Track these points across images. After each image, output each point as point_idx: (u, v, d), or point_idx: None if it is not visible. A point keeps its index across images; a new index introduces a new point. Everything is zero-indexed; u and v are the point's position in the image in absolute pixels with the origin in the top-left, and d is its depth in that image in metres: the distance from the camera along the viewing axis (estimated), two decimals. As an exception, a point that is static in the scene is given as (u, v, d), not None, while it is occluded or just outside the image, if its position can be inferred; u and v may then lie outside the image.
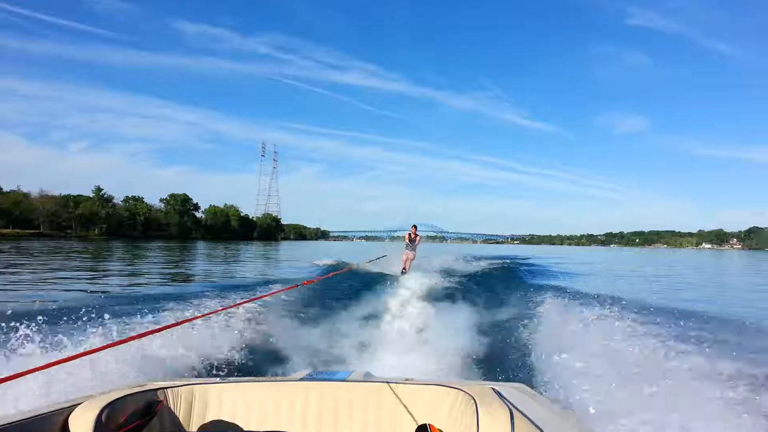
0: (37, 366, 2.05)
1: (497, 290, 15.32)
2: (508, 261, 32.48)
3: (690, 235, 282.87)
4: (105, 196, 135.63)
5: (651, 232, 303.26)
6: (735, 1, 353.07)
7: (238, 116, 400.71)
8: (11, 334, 5.04)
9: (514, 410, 2.20)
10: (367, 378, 3.03)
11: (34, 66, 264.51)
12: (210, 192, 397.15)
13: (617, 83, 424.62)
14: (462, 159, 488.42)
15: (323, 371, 3.33)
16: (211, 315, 7.21)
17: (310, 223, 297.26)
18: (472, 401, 2.36)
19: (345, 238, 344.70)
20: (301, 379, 2.97)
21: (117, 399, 2.36)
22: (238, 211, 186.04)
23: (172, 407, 2.73)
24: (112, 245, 64.97)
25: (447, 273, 18.64)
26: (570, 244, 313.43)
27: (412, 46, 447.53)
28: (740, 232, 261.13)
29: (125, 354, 4.91)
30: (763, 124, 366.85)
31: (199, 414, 2.78)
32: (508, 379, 2.79)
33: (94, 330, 5.83)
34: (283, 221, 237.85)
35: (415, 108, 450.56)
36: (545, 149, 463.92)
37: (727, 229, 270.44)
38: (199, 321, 6.77)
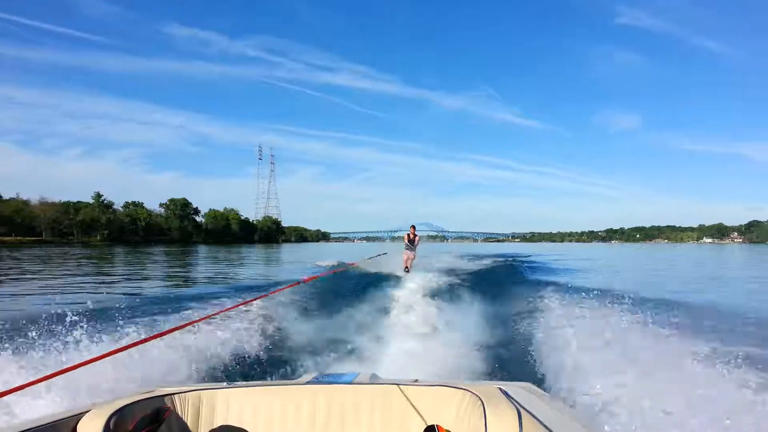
0: (40, 377, 2.06)
1: (501, 288, 15.29)
2: (510, 259, 32.58)
3: (691, 229, 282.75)
4: (105, 202, 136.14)
5: (652, 228, 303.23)
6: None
7: (230, 120, 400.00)
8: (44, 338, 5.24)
9: (521, 410, 2.19)
10: (374, 380, 3.03)
11: (22, 72, 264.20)
12: (206, 196, 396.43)
13: (609, 81, 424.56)
14: (456, 159, 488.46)
15: (329, 374, 3.33)
16: (213, 317, 7.17)
17: (310, 225, 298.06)
18: (480, 402, 2.36)
19: (346, 239, 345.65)
20: (308, 383, 2.96)
21: (125, 406, 2.36)
22: (238, 214, 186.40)
23: (180, 413, 2.72)
24: (117, 251, 65.17)
25: (450, 272, 18.65)
26: (571, 241, 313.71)
27: (403, 47, 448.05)
28: (741, 226, 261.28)
29: (129, 360, 4.91)
30: (753, 121, 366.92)
31: (207, 420, 2.77)
32: (515, 379, 2.75)
33: (112, 333, 5.96)
34: (284, 224, 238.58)
35: (408, 108, 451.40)
36: (540, 147, 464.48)
37: (726, 223, 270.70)
38: (202, 325, 6.77)
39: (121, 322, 6.48)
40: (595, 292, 10.34)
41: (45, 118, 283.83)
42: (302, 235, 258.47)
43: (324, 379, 3.06)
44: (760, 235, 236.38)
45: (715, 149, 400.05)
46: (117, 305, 6.94)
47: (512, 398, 2.37)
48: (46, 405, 3.85)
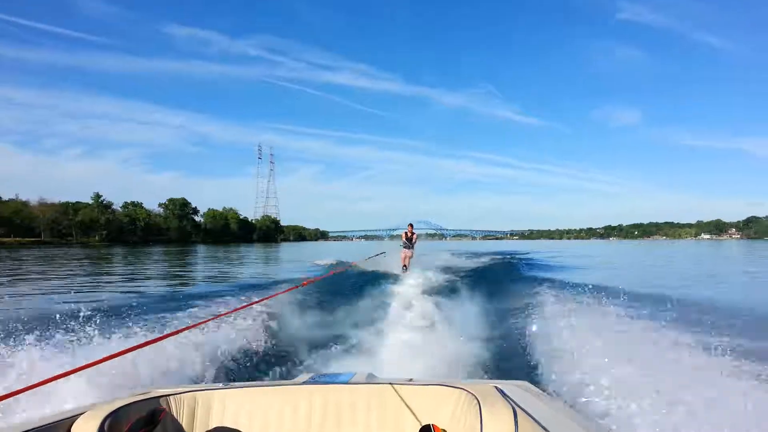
0: (40, 380, 2.05)
1: (498, 286, 15.31)
2: (508, 256, 32.77)
3: (689, 226, 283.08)
4: (104, 202, 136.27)
5: (650, 224, 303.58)
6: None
7: (230, 119, 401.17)
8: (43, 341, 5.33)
9: (517, 409, 2.18)
10: (370, 379, 3.01)
11: (20, 73, 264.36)
12: (205, 196, 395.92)
13: (610, 77, 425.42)
14: (456, 156, 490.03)
15: (326, 374, 3.32)
16: (208, 322, 6.99)
17: (309, 224, 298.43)
18: (475, 401, 2.36)
19: (344, 238, 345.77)
20: (304, 383, 2.95)
21: (120, 407, 2.34)
22: (237, 214, 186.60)
23: (175, 415, 2.70)
24: (116, 251, 65.04)
25: (448, 270, 18.78)
26: (569, 238, 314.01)
27: (403, 45, 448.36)
28: (739, 221, 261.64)
29: (125, 362, 4.88)
30: (753, 116, 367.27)
31: (203, 421, 2.75)
32: (511, 377, 2.76)
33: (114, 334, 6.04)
34: (282, 223, 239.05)
35: (408, 106, 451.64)
36: (540, 144, 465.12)
37: (726, 219, 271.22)
38: (200, 326, 6.67)
39: (118, 325, 6.48)
40: (593, 289, 10.29)
41: (44, 118, 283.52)
42: (301, 234, 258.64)
43: (320, 379, 3.06)
44: (758, 230, 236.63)
45: (716, 144, 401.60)
46: (117, 307, 7.09)
47: (508, 397, 2.38)
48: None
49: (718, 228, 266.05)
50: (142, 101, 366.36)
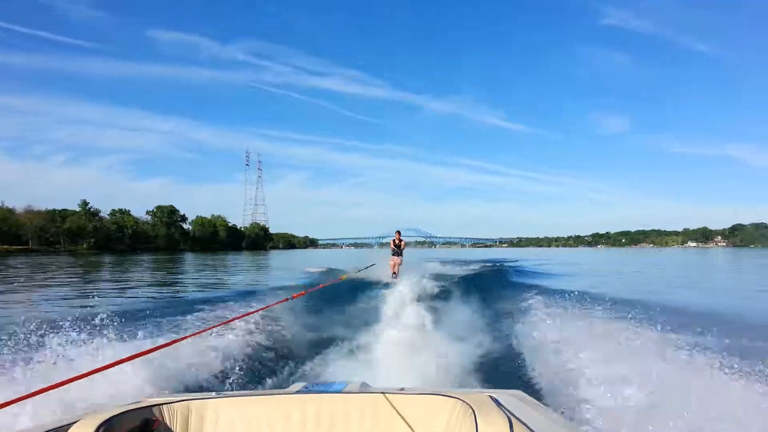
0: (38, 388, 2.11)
1: (489, 295, 15.33)
2: (498, 264, 33.07)
3: (675, 233, 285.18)
4: (91, 209, 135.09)
5: (637, 232, 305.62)
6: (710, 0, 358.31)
7: (217, 125, 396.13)
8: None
9: (512, 419, 2.19)
10: (363, 389, 3.01)
11: (6, 78, 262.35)
12: (193, 203, 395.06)
13: (596, 84, 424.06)
14: (446, 164, 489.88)
15: (319, 383, 3.35)
16: (201, 333, 7.08)
17: (298, 232, 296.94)
18: (470, 410, 2.37)
19: (334, 245, 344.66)
20: (297, 392, 2.96)
21: (113, 416, 2.35)
22: (225, 221, 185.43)
23: (168, 424, 2.70)
24: (106, 259, 64.46)
25: (438, 278, 18.63)
26: (557, 246, 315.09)
27: (390, 51, 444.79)
28: (724, 229, 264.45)
29: (117, 372, 4.75)
30: (740, 122, 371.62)
31: (196, 430, 2.76)
32: (505, 386, 3.11)
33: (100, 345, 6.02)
34: (271, 230, 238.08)
35: (396, 112, 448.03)
36: (527, 151, 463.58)
37: (712, 226, 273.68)
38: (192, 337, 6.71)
39: (110, 335, 6.42)
40: (582, 296, 10.53)
41: (31, 124, 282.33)
42: (290, 242, 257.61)
43: (313, 388, 3.06)
44: (744, 238, 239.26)
45: (704, 151, 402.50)
46: (107, 317, 6.90)
47: (503, 406, 2.39)
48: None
49: (704, 236, 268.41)
50: (128, 107, 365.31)
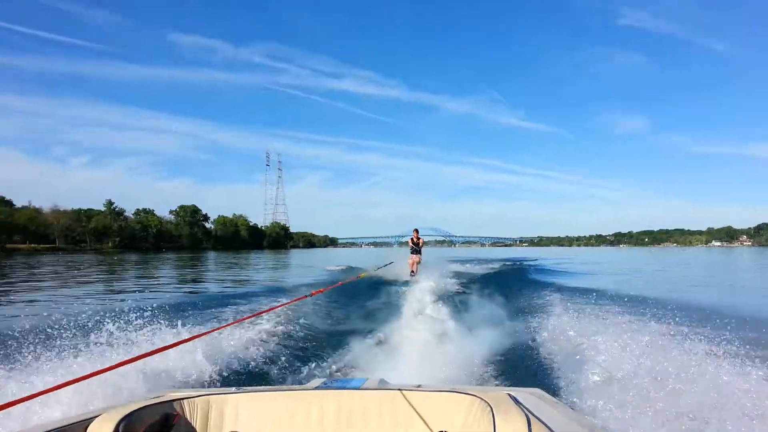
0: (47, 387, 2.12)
1: (509, 293, 15.22)
2: (518, 263, 32.97)
3: (699, 233, 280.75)
4: (116, 209, 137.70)
5: (660, 231, 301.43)
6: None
7: (236, 126, 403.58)
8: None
9: (531, 417, 2.18)
10: (382, 385, 3.01)
11: (30, 82, 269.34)
12: (214, 203, 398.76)
13: (614, 83, 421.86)
14: (462, 163, 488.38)
15: (338, 379, 3.39)
16: (223, 329, 6.97)
17: (318, 231, 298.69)
18: (488, 408, 2.36)
19: (353, 244, 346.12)
20: (316, 388, 2.95)
21: (134, 411, 2.37)
22: (247, 221, 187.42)
23: (189, 419, 2.72)
24: (132, 258, 65.43)
25: (458, 276, 18.91)
26: (579, 245, 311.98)
27: (406, 52, 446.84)
28: (750, 228, 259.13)
29: (141, 367, 5.00)
30: (762, 121, 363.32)
31: (216, 425, 2.76)
32: (524, 384, 3.18)
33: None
34: (291, 230, 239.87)
35: (412, 112, 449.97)
36: (545, 150, 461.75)
37: (737, 226, 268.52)
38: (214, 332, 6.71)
39: (137, 329, 6.55)
40: (603, 295, 10.45)
41: (53, 126, 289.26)
42: (310, 241, 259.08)
43: (332, 384, 3.06)
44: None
45: (724, 151, 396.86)
46: (135, 311, 7.08)
47: (521, 404, 2.37)
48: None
49: (729, 235, 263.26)
50: (148, 109, 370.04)
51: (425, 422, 2.67)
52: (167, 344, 3.10)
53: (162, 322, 7.07)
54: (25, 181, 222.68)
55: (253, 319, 8.67)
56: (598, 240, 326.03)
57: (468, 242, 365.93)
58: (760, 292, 21.93)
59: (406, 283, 16.74)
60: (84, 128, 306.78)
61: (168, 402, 2.67)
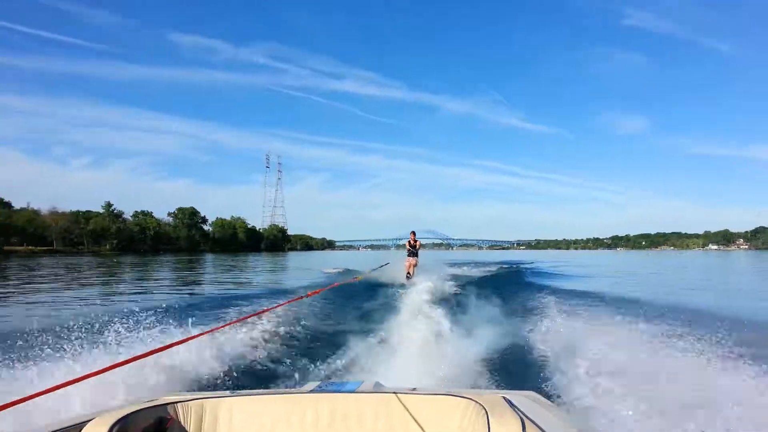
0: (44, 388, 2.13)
1: (505, 296, 15.15)
2: (515, 266, 33.19)
3: (696, 236, 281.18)
4: (115, 211, 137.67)
5: (657, 234, 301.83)
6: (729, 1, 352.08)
7: (236, 127, 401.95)
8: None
9: (526, 420, 2.18)
10: (377, 388, 3.00)
11: (30, 82, 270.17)
12: (212, 204, 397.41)
13: (615, 84, 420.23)
14: (462, 164, 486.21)
15: (333, 382, 3.37)
16: (214, 331, 6.97)
17: (316, 234, 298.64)
18: (483, 411, 2.36)
19: (351, 247, 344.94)
20: (311, 391, 2.95)
21: (128, 414, 2.36)
22: (245, 223, 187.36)
23: (182, 422, 2.70)
24: (130, 260, 65.28)
25: (454, 279, 18.92)
26: (576, 248, 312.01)
27: (407, 51, 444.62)
28: (746, 232, 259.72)
29: (133, 370, 4.95)
30: (762, 123, 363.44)
31: (210, 428, 2.76)
32: (519, 387, 3.22)
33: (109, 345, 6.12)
34: (289, 232, 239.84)
35: (413, 113, 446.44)
36: (545, 152, 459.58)
37: (734, 229, 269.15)
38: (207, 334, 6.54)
39: (131, 331, 6.58)
40: (598, 298, 10.50)
41: (53, 126, 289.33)
42: (308, 244, 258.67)
43: (327, 387, 3.05)
44: (766, 241, 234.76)
45: (724, 152, 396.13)
46: (139, 313, 7.14)
47: (516, 407, 2.37)
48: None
49: (725, 238, 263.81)
50: (148, 109, 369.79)
51: (420, 426, 2.68)
52: (164, 345, 3.13)
53: (170, 322, 7.18)
54: (24, 182, 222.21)
55: (251, 320, 8.69)
56: (596, 243, 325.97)
57: (465, 245, 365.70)
58: (751, 295, 22.17)
59: (403, 286, 16.73)
60: (84, 128, 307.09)
61: (162, 405, 2.67)
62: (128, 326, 6.70)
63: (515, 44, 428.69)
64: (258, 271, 40.50)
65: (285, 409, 2.79)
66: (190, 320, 8.33)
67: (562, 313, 10.65)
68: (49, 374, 5.01)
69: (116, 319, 6.74)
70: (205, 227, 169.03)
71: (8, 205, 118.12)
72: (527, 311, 12.16)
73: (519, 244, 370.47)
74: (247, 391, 3.02)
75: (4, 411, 1.84)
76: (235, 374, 6.47)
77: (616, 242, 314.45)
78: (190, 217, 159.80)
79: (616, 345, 6.78)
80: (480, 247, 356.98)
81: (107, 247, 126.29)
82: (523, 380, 6.48)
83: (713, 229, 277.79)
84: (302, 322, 10.06)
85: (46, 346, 5.75)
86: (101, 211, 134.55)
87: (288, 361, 7.43)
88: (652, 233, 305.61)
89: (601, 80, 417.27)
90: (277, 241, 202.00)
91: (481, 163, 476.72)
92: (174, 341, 3.27)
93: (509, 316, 11.64)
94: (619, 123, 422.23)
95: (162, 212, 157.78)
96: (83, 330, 6.37)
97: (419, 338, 8.63)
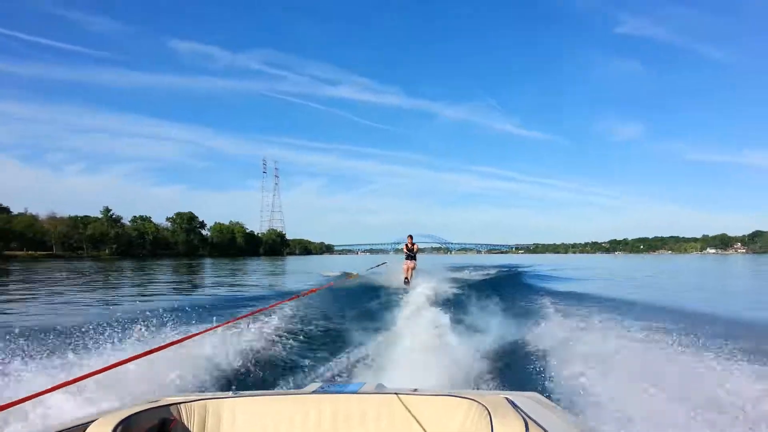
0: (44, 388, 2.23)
1: (505, 298, 15.22)
2: (513, 269, 33.41)
3: (694, 240, 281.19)
4: (113, 216, 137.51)
5: (655, 239, 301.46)
6: (725, 7, 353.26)
7: (233, 133, 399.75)
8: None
9: (528, 421, 2.18)
10: (379, 389, 3.00)
11: (28, 89, 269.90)
12: (210, 209, 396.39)
13: (611, 90, 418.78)
14: (460, 170, 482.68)
15: (335, 383, 3.42)
16: (216, 328, 6.66)
17: (314, 238, 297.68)
18: (486, 412, 2.37)
19: (349, 251, 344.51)
20: (314, 392, 2.95)
21: (131, 415, 2.37)
22: (243, 227, 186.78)
23: (185, 423, 2.71)
24: (127, 265, 65.00)
25: (453, 282, 18.94)
26: (575, 252, 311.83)
27: (404, 58, 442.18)
28: (744, 236, 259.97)
29: (137, 369, 4.98)
30: (757, 129, 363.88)
31: (213, 429, 2.77)
32: (522, 388, 3.25)
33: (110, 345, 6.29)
34: (288, 236, 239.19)
35: (410, 119, 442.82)
36: (541, 158, 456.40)
37: (731, 233, 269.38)
38: (207, 335, 6.53)
39: (130, 333, 6.69)
40: (596, 300, 10.65)
41: (48, 133, 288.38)
42: (306, 248, 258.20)
43: (330, 388, 3.06)
44: (763, 245, 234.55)
45: (720, 158, 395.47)
46: (132, 316, 7.26)
47: (519, 408, 2.37)
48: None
49: (723, 242, 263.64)
50: (145, 116, 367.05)
51: (422, 427, 2.69)
52: (160, 345, 3.19)
53: (192, 321, 7.48)
54: (22, 188, 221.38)
55: (249, 321, 8.78)
56: (594, 247, 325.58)
57: (464, 249, 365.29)
58: (746, 297, 22.41)
59: (400, 289, 16.79)
60: (83, 135, 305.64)
61: (165, 407, 2.68)
62: (148, 325, 6.93)
63: (511, 51, 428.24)
64: (258, 275, 40.58)
65: (287, 410, 2.82)
66: (191, 320, 8.56)
67: (562, 315, 10.84)
68: (49, 375, 5.14)
69: (139, 320, 6.96)
70: (204, 232, 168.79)
71: (6, 210, 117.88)
72: (527, 313, 12.22)
73: (517, 248, 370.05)
74: (249, 392, 3.04)
75: (4, 411, 1.86)
76: (236, 375, 6.55)
77: (614, 246, 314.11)
78: (188, 222, 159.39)
79: (617, 346, 6.87)
80: (479, 251, 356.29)
81: (106, 251, 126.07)
82: (525, 381, 6.50)
83: (711, 233, 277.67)
84: (303, 326, 10.13)
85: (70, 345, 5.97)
86: (99, 216, 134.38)
87: (289, 363, 7.59)
88: (650, 237, 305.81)
89: (597, 86, 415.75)
90: (275, 246, 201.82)
91: (478, 168, 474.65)
92: (166, 342, 3.35)
93: (510, 318, 11.67)
94: (615, 129, 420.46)
95: (160, 217, 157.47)
96: (113, 327, 6.65)
97: (420, 340, 8.69)
